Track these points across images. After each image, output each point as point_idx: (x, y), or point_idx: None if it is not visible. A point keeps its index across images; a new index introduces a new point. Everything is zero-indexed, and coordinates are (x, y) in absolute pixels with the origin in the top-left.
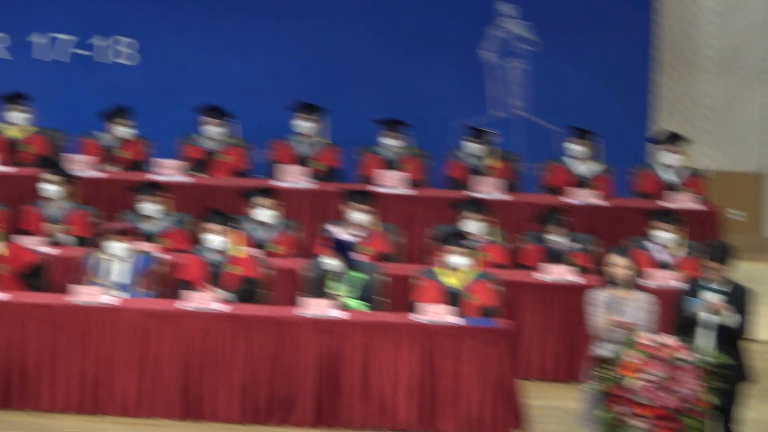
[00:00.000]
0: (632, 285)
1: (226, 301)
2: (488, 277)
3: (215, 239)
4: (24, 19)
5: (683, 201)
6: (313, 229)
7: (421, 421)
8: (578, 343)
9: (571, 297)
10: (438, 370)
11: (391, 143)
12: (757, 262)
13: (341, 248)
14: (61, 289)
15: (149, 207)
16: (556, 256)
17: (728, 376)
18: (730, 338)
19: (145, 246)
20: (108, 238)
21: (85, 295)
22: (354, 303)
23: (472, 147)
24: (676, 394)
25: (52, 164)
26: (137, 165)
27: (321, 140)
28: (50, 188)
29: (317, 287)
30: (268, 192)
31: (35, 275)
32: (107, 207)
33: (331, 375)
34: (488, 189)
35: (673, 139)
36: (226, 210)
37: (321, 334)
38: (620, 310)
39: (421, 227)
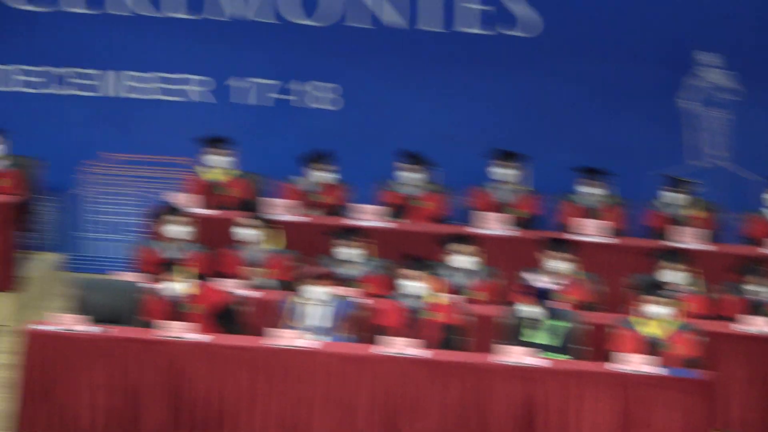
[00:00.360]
0: None
1: (423, 347)
2: (690, 328)
3: (414, 285)
4: (227, 63)
5: None
6: (511, 276)
7: None
8: None
9: None
10: (635, 420)
11: (589, 191)
12: None
13: (540, 296)
14: (259, 332)
15: (347, 252)
16: (755, 307)
17: None
18: None
19: (345, 291)
20: (307, 282)
21: (283, 338)
22: (551, 352)
23: (671, 196)
24: None
25: (252, 208)
26: (336, 210)
27: (520, 187)
28: (249, 232)
29: (514, 334)
30: (466, 239)
31: (228, 317)
32: (307, 251)
33: (527, 423)
34: (687, 239)
35: None
36: (425, 256)
37: (517, 381)
38: None
39: (620, 276)
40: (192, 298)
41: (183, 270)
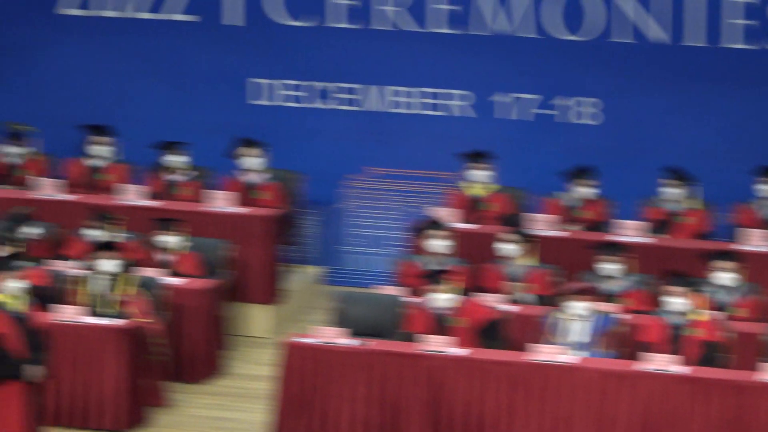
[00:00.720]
0: None
1: (684, 364)
2: None
3: (676, 301)
4: (490, 78)
5: None
6: None
7: None
8: None
9: None
10: None
11: None
12: None
13: None
14: (520, 347)
15: (609, 267)
16: None
17: None
18: None
19: (606, 306)
20: (568, 297)
21: (544, 353)
22: None
23: None
24: None
25: (513, 223)
26: (598, 225)
27: None
28: (510, 247)
29: None
30: (729, 255)
31: (491, 332)
32: (567, 266)
33: None
34: None
35: None
36: (688, 272)
37: None
38: None
39: None
40: (456, 311)
41: (448, 283)
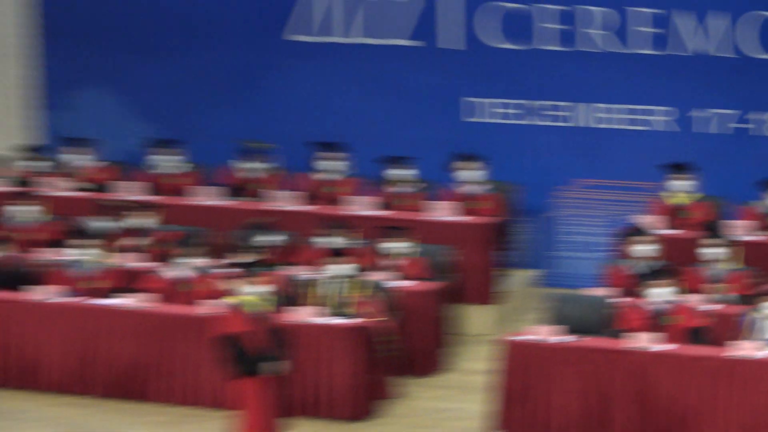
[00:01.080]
0: None
1: None
2: None
3: None
4: (690, 95)
5: None
6: None
7: None
8: None
9: None
10: None
11: None
12: None
13: None
14: (718, 343)
15: None
16: None
17: None
18: None
19: None
20: (764, 297)
21: (743, 349)
22: None
23: None
24: None
25: (714, 229)
26: None
27: None
28: (712, 251)
29: None
30: None
31: (698, 337)
32: (764, 269)
33: None
34: None
35: None
36: None
37: None
38: None
39: None
40: (673, 309)
41: (667, 282)
